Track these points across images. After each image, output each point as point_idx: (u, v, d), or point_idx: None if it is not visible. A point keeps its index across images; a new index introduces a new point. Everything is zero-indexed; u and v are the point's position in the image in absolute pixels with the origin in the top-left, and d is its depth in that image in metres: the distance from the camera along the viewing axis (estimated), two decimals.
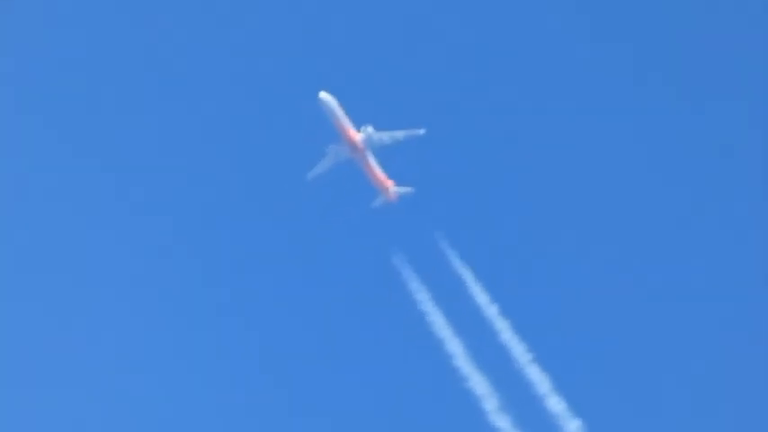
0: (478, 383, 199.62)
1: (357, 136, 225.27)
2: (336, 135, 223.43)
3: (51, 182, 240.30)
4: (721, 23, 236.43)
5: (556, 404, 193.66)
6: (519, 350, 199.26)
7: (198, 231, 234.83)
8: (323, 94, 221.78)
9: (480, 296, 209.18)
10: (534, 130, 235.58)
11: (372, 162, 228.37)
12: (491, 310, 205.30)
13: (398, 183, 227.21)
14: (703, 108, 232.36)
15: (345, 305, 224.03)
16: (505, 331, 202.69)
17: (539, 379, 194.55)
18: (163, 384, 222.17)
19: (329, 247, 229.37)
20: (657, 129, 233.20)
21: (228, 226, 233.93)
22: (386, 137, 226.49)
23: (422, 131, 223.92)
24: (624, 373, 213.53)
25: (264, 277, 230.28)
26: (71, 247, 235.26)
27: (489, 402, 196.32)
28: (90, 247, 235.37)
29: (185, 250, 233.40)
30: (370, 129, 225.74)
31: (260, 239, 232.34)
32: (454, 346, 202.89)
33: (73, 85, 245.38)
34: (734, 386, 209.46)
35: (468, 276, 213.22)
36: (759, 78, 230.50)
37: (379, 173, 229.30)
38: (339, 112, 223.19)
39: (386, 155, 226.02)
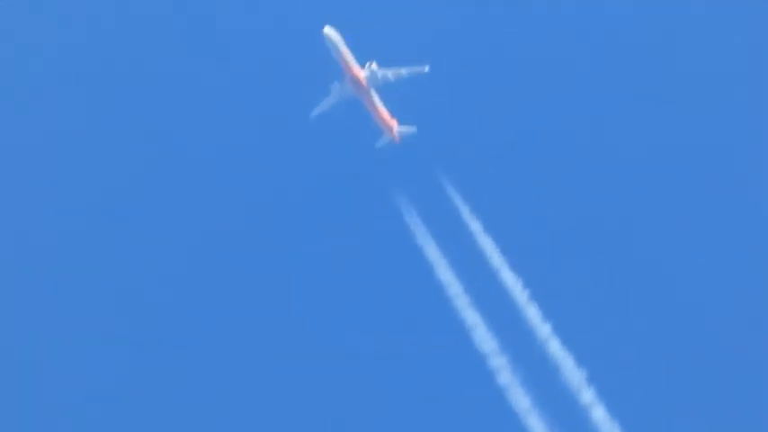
0: (472, 317, 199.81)
1: (361, 72, 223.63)
2: (340, 71, 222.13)
3: None
4: None
5: (549, 339, 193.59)
6: (514, 283, 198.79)
7: (206, 167, 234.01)
8: (327, 29, 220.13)
9: (482, 237, 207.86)
10: (536, 68, 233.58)
11: (377, 100, 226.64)
12: (493, 253, 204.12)
13: (402, 121, 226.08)
14: None
15: (347, 241, 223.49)
16: (502, 266, 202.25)
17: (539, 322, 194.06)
18: None
19: (333, 186, 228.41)
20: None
21: (234, 164, 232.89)
22: (390, 73, 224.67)
23: (426, 69, 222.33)
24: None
25: (267, 214, 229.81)
26: None
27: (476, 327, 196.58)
28: None
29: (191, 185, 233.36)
30: (374, 65, 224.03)
31: (263, 177, 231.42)
32: (455, 288, 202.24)
33: None
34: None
35: (468, 216, 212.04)
36: None
37: (384, 111, 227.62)
38: (343, 48, 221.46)
39: (389, 92, 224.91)
